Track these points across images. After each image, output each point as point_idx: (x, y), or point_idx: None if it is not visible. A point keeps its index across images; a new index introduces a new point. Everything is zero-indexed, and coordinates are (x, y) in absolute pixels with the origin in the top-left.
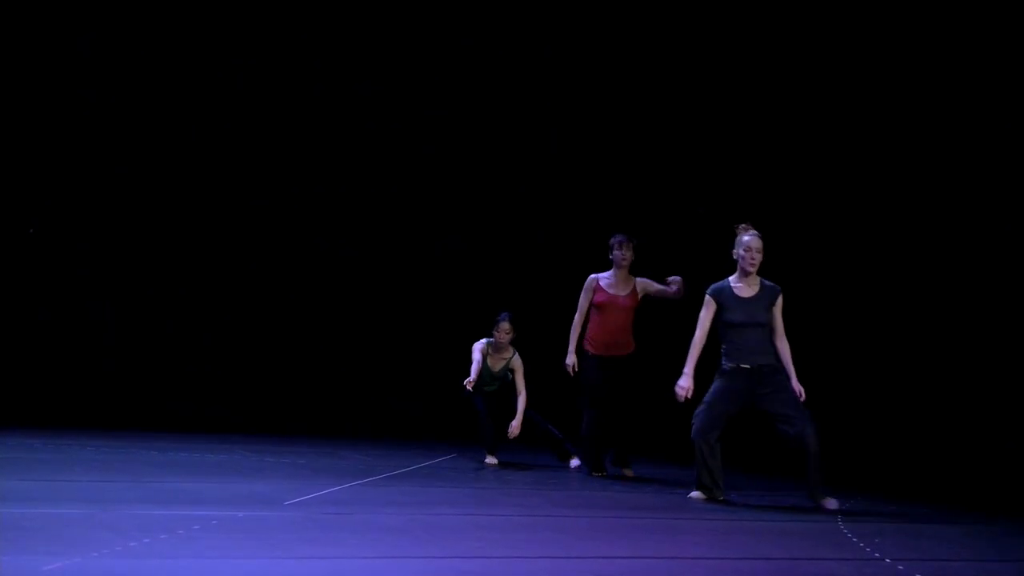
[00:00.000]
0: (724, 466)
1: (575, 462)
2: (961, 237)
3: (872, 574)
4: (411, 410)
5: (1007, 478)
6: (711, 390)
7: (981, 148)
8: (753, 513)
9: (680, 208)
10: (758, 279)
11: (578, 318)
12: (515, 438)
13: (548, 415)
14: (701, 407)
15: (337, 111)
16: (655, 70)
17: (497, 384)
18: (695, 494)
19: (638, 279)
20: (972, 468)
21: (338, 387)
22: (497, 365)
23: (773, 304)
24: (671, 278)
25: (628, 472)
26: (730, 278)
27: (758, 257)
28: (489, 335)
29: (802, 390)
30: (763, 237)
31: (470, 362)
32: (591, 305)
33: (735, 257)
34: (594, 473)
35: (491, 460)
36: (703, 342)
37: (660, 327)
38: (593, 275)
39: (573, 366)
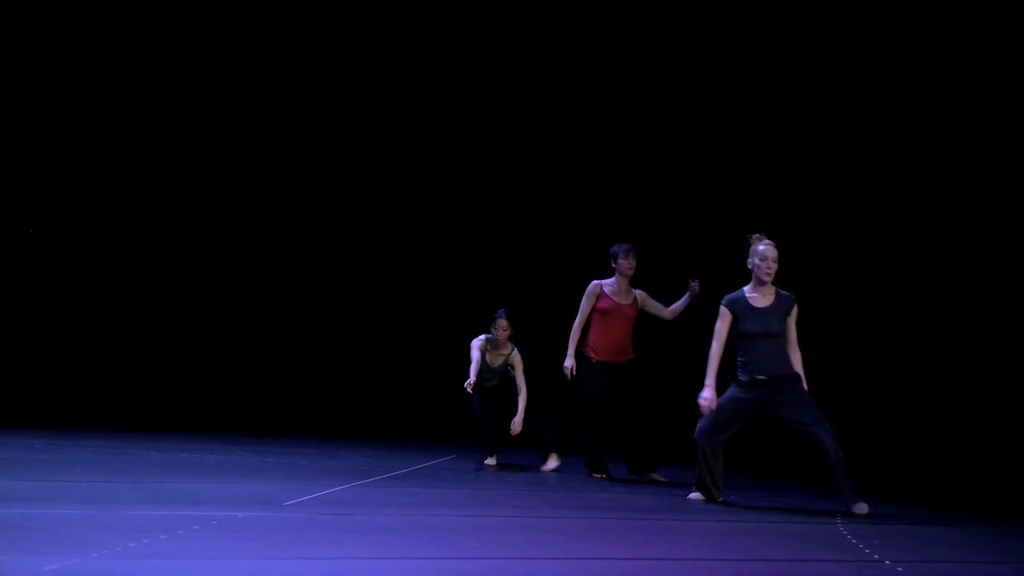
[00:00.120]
0: (725, 468)
1: (551, 463)
2: (960, 238)
3: None
4: (411, 410)
5: (1008, 479)
6: (724, 395)
7: (980, 150)
8: (753, 514)
9: (680, 209)
10: (773, 289)
11: (579, 323)
12: (516, 436)
13: (546, 415)
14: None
15: (337, 111)
16: (654, 70)
17: (497, 379)
18: (694, 495)
19: (636, 291)
20: (972, 469)
21: (338, 387)
22: (496, 361)
23: (788, 314)
24: (692, 284)
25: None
26: (745, 288)
27: (774, 267)
28: (488, 332)
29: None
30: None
31: (470, 360)
32: (594, 311)
33: (750, 267)
34: (594, 475)
35: (491, 461)
36: (721, 353)
37: (666, 334)
38: (596, 281)
39: (571, 369)
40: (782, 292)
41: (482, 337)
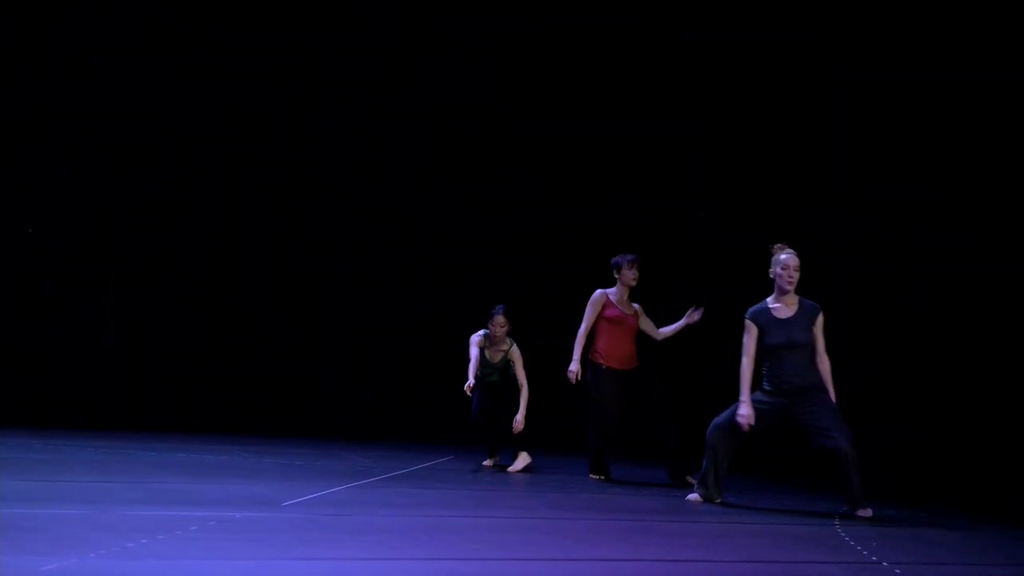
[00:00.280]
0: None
1: (519, 463)
2: (958, 238)
3: None
4: (409, 411)
5: (1007, 481)
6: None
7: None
8: (751, 516)
9: (679, 210)
10: (797, 298)
11: (584, 330)
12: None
13: (544, 415)
14: (729, 408)
15: (336, 111)
16: (653, 70)
17: (497, 375)
18: (693, 496)
19: (634, 304)
20: (972, 471)
21: (336, 388)
22: (496, 357)
23: (813, 323)
24: (694, 312)
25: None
26: (768, 299)
27: (796, 276)
28: (486, 328)
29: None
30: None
31: (468, 358)
32: (602, 319)
33: (772, 276)
34: (592, 475)
35: (488, 463)
36: (751, 368)
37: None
38: (601, 290)
39: (576, 374)
40: (806, 301)
41: (480, 333)
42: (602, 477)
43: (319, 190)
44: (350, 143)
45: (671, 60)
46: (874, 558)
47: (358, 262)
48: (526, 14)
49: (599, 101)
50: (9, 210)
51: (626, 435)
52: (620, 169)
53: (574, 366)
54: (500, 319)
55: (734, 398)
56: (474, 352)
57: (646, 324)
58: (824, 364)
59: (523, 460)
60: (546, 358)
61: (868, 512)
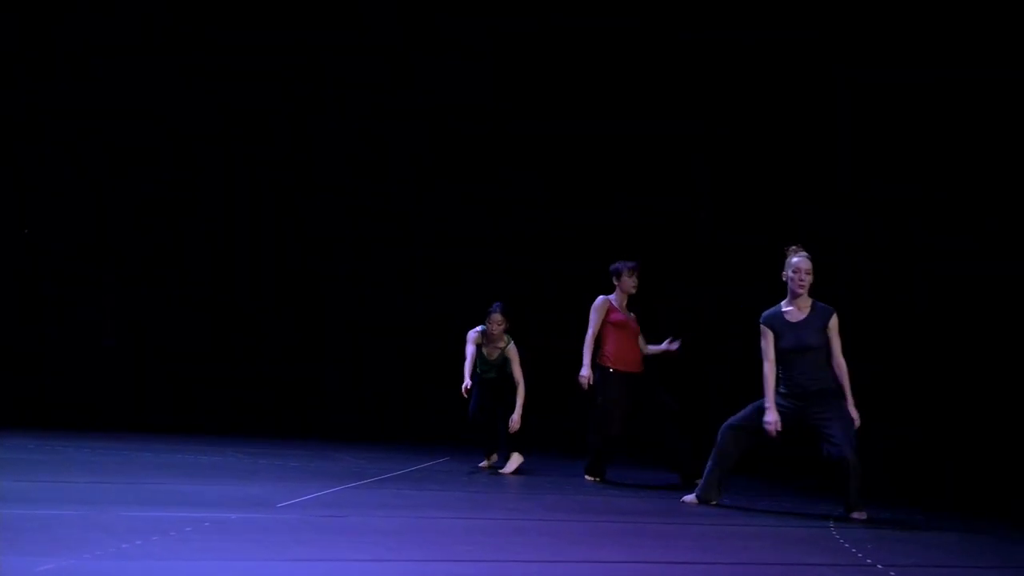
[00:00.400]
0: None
1: (512, 464)
2: (956, 238)
3: None
4: (406, 412)
5: (1005, 482)
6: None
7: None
8: (747, 518)
9: (679, 210)
10: (810, 301)
11: (592, 335)
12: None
13: (543, 413)
14: (744, 410)
15: (336, 111)
16: (653, 71)
17: (495, 372)
18: (689, 497)
19: (631, 312)
20: (970, 472)
21: (333, 388)
22: (493, 354)
23: (825, 326)
24: (672, 343)
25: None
26: (782, 302)
27: (807, 279)
28: (484, 324)
29: (856, 415)
30: (812, 258)
31: (464, 356)
32: (607, 324)
33: (784, 279)
34: (588, 477)
35: (485, 464)
36: (773, 372)
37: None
38: (603, 296)
39: (588, 379)
40: (819, 304)
41: (478, 329)
42: (598, 479)
43: (319, 190)
44: (350, 143)
45: (671, 60)
46: (869, 560)
47: (357, 262)
48: (526, 14)
49: (599, 101)
50: (8, 210)
51: (628, 439)
52: (620, 169)
53: (585, 371)
54: (497, 317)
55: (736, 399)
56: (470, 350)
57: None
58: (840, 367)
59: (516, 461)
60: (545, 358)
61: (863, 515)
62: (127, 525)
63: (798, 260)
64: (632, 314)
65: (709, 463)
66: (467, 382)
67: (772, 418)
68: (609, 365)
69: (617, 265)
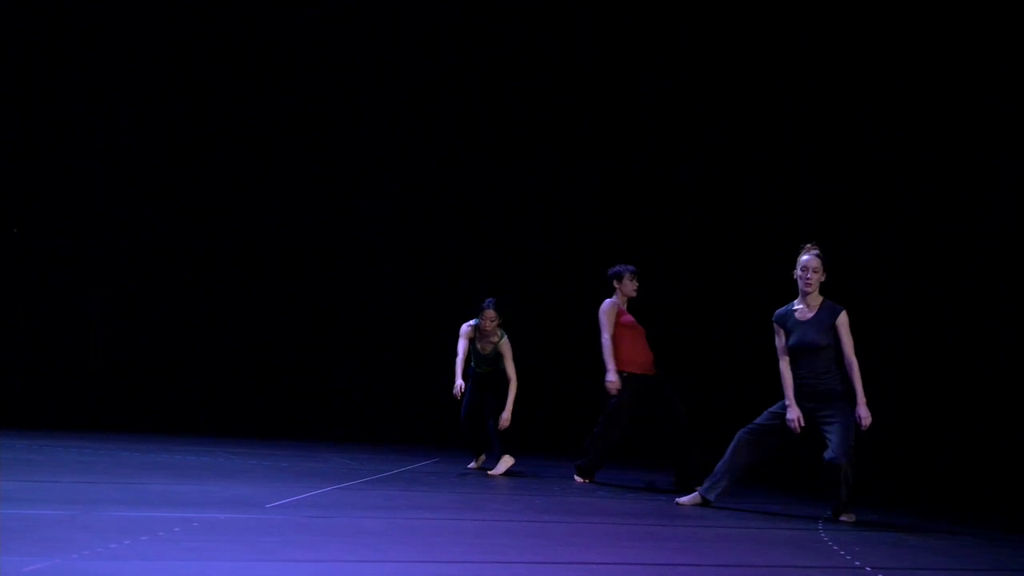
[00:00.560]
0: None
1: (502, 466)
2: (952, 239)
3: None
4: (394, 414)
5: (991, 487)
6: (777, 404)
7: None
8: (736, 520)
9: (672, 215)
10: (820, 299)
11: (608, 337)
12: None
13: (533, 418)
14: (761, 416)
15: (334, 111)
16: (651, 73)
17: (488, 366)
18: (684, 499)
19: None
20: (955, 477)
21: (323, 390)
22: (486, 348)
23: (833, 324)
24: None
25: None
26: (795, 300)
27: (814, 277)
28: (477, 318)
29: (866, 416)
30: (821, 256)
31: (456, 352)
32: (619, 327)
33: (795, 278)
34: (579, 478)
35: (473, 465)
36: (788, 369)
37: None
38: (610, 300)
39: (617, 383)
40: (828, 302)
41: (471, 323)
42: (587, 480)
43: (315, 189)
44: (351, 142)
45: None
46: (857, 563)
47: (348, 264)
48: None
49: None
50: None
51: (626, 443)
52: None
53: (612, 376)
54: (491, 313)
55: (740, 399)
56: (462, 345)
57: None
58: (850, 366)
59: (506, 463)
60: (545, 359)
61: (852, 517)
62: (115, 525)
63: (806, 258)
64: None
65: (719, 465)
66: (459, 383)
67: (794, 415)
68: (622, 368)
69: (618, 268)
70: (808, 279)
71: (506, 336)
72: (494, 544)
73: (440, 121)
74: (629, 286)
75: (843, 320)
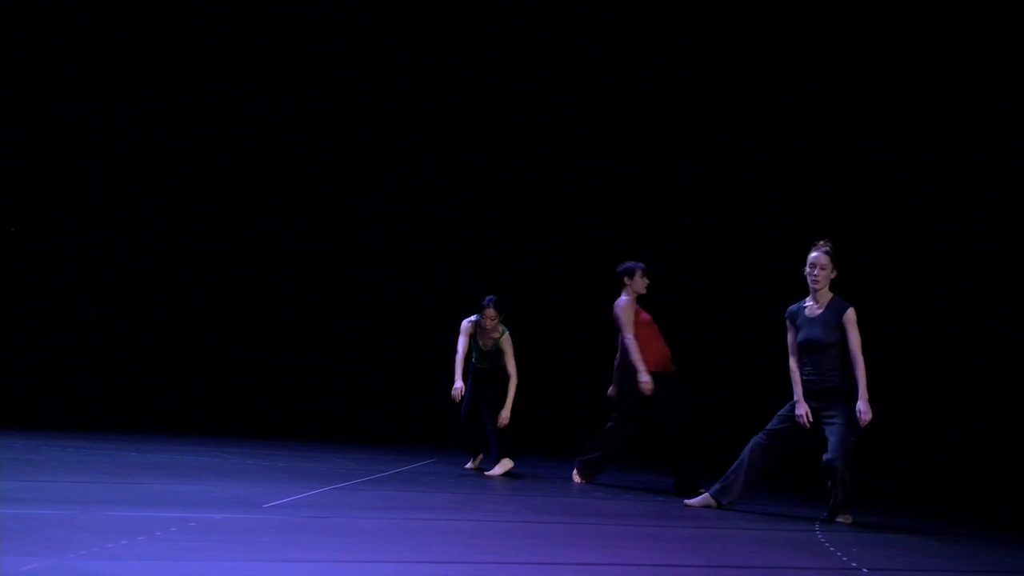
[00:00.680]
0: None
1: (499, 468)
2: (947, 240)
3: None
4: (394, 414)
5: (991, 487)
6: (788, 404)
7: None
8: (732, 521)
9: (672, 215)
10: (830, 296)
11: (633, 337)
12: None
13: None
14: (772, 421)
15: (334, 111)
16: (651, 73)
17: (489, 362)
18: (694, 500)
19: None
20: (955, 477)
21: (323, 390)
22: (488, 344)
23: (839, 321)
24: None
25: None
26: (807, 297)
27: (821, 274)
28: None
29: (866, 411)
30: (831, 252)
31: (456, 349)
32: (639, 324)
33: (805, 275)
34: (580, 479)
35: (471, 464)
36: (797, 366)
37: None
38: (626, 298)
39: (650, 383)
40: (837, 300)
41: (471, 318)
42: (587, 480)
43: (315, 189)
44: (351, 142)
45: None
46: (853, 564)
47: (348, 264)
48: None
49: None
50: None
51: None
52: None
53: (646, 376)
54: (491, 312)
55: (740, 399)
56: (462, 342)
57: None
58: (856, 363)
59: (504, 466)
60: (545, 359)
61: (848, 518)
62: (113, 525)
63: (814, 255)
64: None
65: (732, 470)
66: (457, 385)
67: (802, 410)
68: (652, 368)
69: (629, 265)
70: (816, 276)
71: (507, 332)
72: (491, 544)
73: (440, 121)
74: (640, 283)
75: (850, 317)
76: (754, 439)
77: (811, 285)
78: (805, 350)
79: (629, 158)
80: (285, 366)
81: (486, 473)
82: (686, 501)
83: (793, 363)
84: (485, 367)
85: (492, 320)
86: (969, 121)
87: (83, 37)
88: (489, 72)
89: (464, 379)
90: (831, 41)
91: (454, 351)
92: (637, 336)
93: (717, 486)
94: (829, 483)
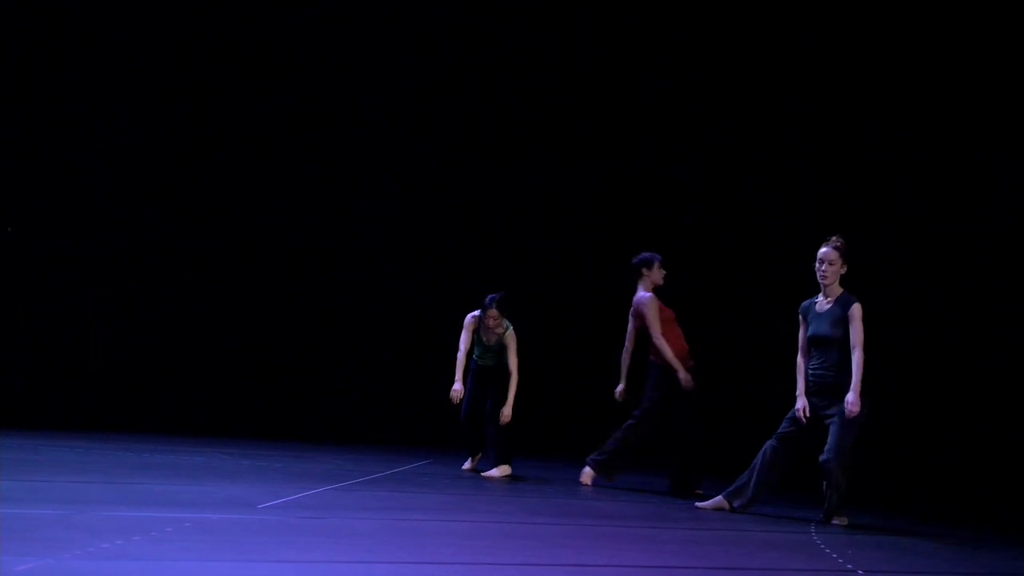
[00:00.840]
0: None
1: (495, 472)
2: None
3: None
4: (394, 414)
5: (991, 488)
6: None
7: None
8: (729, 523)
9: (672, 215)
10: (839, 291)
11: (660, 334)
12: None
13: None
14: (782, 424)
15: (334, 111)
16: (651, 73)
17: (492, 358)
18: (707, 503)
19: None
20: (955, 477)
21: (322, 390)
22: (491, 339)
23: (844, 317)
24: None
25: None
26: (820, 293)
27: (830, 269)
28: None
29: (853, 403)
30: (841, 247)
31: (457, 348)
32: (663, 322)
33: (815, 270)
34: (590, 478)
35: (469, 465)
36: (804, 361)
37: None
38: (648, 294)
39: (690, 380)
40: (845, 295)
41: (475, 313)
42: (605, 477)
43: (315, 189)
44: (351, 142)
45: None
46: (849, 566)
47: (348, 264)
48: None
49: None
50: None
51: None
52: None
53: (683, 373)
54: (493, 312)
55: (739, 399)
56: (464, 338)
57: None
58: (854, 358)
59: (501, 471)
60: (545, 359)
61: (844, 520)
62: (108, 525)
63: (823, 251)
64: None
65: (746, 475)
66: (456, 387)
67: (800, 404)
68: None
69: (647, 256)
70: (824, 271)
71: (512, 328)
72: (485, 546)
73: (440, 121)
74: (658, 274)
75: (855, 312)
76: (766, 446)
77: (820, 280)
78: (814, 344)
79: (629, 158)
80: (285, 366)
81: (482, 474)
82: (697, 504)
83: (800, 359)
84: (486, 364)
85: (495, 320)
86: (969, 121)
87: (83, 37)
88: (489, 72)
89: (463, 378)
90: (831, 41)
91: (456, 348)
92: (663, 333)
93: (731, 489)
94: (825, 484)
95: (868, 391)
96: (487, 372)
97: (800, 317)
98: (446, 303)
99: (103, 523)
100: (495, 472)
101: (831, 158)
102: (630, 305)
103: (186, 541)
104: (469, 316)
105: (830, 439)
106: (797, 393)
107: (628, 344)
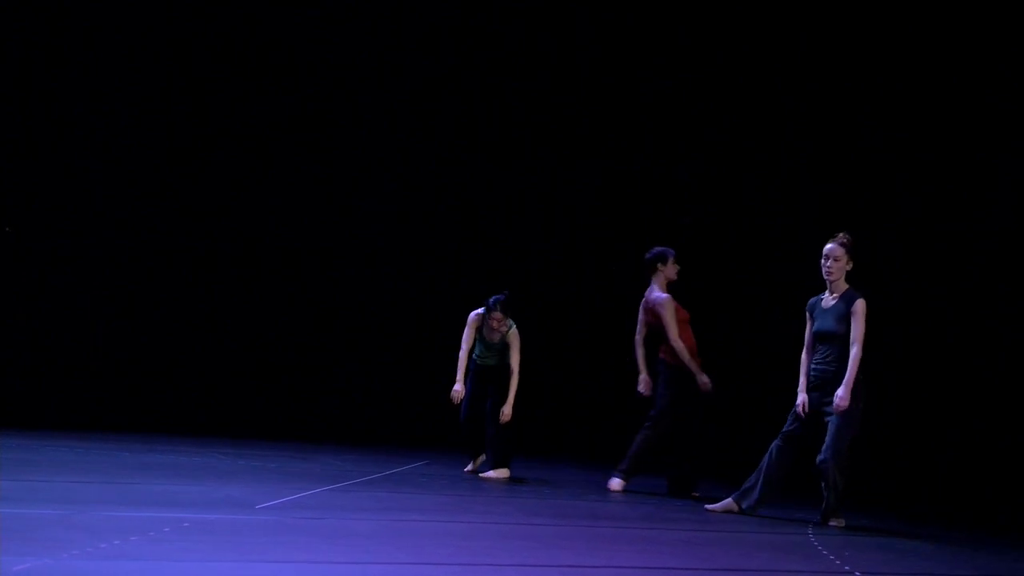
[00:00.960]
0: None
1: (492, 474)
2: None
3: None
4: (394, 414)
5: (990, 488)
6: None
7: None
8: (725, 524)
9: (672, 215)
10: (845, 287)
11: (677, 336)
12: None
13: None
14: (787, 422)
15: (334, 111)
16: (651, 73)
17: (494, 358)
18: (716, 506)
19: None
20: (954, 477)
21: (322, 390)
22: (494, 338)
23: (847, 313)
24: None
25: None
26: (827, 290)
27: (835, 266)
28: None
29: (843, 397)
30: (847, 244)
31: (459, 348)
32: (678, 322)
33: (821, 267)
34: (618, 486)
35: (471, 467)
36: (808, 357)
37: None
38: (665, 294)
39: (709, 383)
40: (850, 291)
41: (479, 311)
42: (614, 489)
43: (315, 189)
44: (351, 142)
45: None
46: (847, 567)
47: (348, 264)
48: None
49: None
50: None
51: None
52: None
53: (704, 377)
54: (498, 315)
55: (739, 399)
56: (467, 335)
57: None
58: (851, 353)
59: (500, 474)
60: (545, 359)
61: (841, 522)
62: (107, 525)
63: (828, 247)
64: None
65: (754, 475)
66: (457, 388)
67: (800, 399)
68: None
69: (661, 250)
70: (829, 268)
71: (515, 326)
72: (483, 546)
73: (440, 121)
74: (672, 269)
75: (857, 308)
76: (772, 445)
77: (825, 277)
78: (818, 340)
79: (629, 158)
80: (284, 366)
81: (481, 475)
82: (707, 506)
83: (804, 355)
84: (487, 363)
85: (499, 323)
86: (969, 121)
87: (83, 37)
88: (489, 72)
89: (463, 378)
90: (831, 41)
91: (458, 347)
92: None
93: (739, 491)
94: (823, 484)
95: (866, 389)
96: (487, 372)
97: (807, 314)
98: (446, 303)
99: (102, 523)
100: (493, 474)
101: (831, 158)
102: (635, 304)
103: (185, 541)
104: (473, 313)
105: (827, 438)
106: (798, 389)
107: (639, 337)
